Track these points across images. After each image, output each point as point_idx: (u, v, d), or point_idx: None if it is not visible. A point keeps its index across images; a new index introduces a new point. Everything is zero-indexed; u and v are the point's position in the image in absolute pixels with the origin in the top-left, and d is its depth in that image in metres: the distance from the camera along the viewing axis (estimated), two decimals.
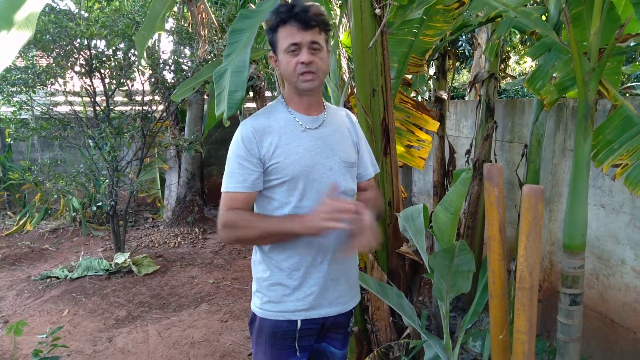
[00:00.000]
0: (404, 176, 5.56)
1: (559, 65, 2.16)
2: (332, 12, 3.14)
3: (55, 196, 5.87)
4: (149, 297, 4.07)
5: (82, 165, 5.15)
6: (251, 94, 5.61)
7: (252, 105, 6.06)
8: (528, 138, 2.55)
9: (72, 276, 4.41)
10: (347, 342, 1.66)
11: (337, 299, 1.51)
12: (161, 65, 4.80)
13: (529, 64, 8.43)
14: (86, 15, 4.40)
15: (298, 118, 1.45)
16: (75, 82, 4.85)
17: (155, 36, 5.71)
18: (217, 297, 4.07)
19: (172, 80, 4.85)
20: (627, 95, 5.18)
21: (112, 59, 4.56)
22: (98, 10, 4.42)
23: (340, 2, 3.01)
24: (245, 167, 1.38)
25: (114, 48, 4.49)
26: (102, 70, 4.65)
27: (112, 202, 4.77)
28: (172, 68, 4.83)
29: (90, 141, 4.85)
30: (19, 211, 6.43)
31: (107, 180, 4.82)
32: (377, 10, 2.08)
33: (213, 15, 4.54)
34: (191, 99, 6.08)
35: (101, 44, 4.55)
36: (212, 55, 4.42)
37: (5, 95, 4.50)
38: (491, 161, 3.46)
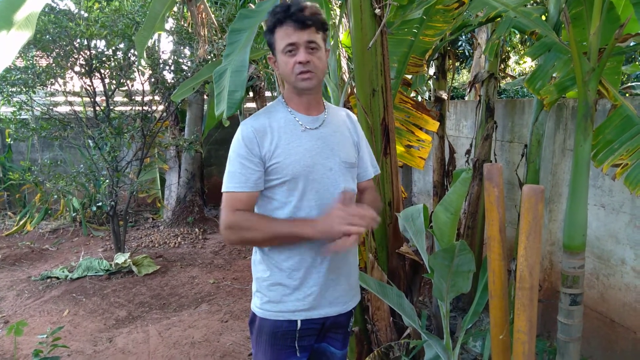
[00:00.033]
0: (404, 176, 5.55)
1: (559, 65, 2.16)
2: (332, 12, 3.13)
3: (55, 196, 5.88)
4: (149, 297, 4.07)
5: (82, 165, 5.14)
6: (251, 94, 5.61)
7: (252, 105, 6.06)
8: (528, 138, 2.55)
9: (72, 276, 4.42)
10: (347, 342, 1.66)
11: (337, 299, 1.51)
12: (161, 66, 4.80)
13: (528, 64, 8.43)
14: (86, 15, 4.39)
15: (298, 118, 1.45)
16: (75, 82, 4.85)
17: (155, 36, 5.72)
18: (217, 297, 4.07)
19: (172, 81, 4.85)
20: (627, 95, 5.18)
21: (112, 59, 4.56)
22: (98, 11, 4.42)
23: (340, 2, 3.00)
24: (247, 166, 1.38)
25: (113, 48, 4.49)
26: (102, 71, 4.65)
27: (112, 203, 4.77)
28: (172, 68, 4.83)
29: (90, 141, 4.85)
30: (19, 211, 6.43)
31: (107, 181, 4.82)
32: (377, 10, 2.08)
33: (213, 15, 4.54)
34: (191, 99, 6.08)
35: (101, 44, 4.55)
36: (212, 55, 4.42)
37: (5, 96, 4.50)
38: (491, 161, 3.46)
